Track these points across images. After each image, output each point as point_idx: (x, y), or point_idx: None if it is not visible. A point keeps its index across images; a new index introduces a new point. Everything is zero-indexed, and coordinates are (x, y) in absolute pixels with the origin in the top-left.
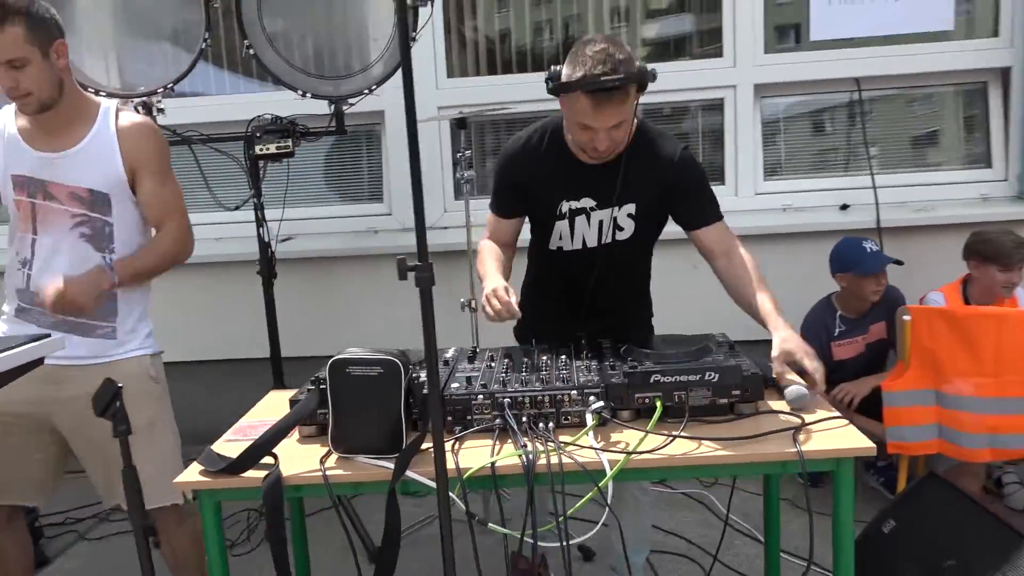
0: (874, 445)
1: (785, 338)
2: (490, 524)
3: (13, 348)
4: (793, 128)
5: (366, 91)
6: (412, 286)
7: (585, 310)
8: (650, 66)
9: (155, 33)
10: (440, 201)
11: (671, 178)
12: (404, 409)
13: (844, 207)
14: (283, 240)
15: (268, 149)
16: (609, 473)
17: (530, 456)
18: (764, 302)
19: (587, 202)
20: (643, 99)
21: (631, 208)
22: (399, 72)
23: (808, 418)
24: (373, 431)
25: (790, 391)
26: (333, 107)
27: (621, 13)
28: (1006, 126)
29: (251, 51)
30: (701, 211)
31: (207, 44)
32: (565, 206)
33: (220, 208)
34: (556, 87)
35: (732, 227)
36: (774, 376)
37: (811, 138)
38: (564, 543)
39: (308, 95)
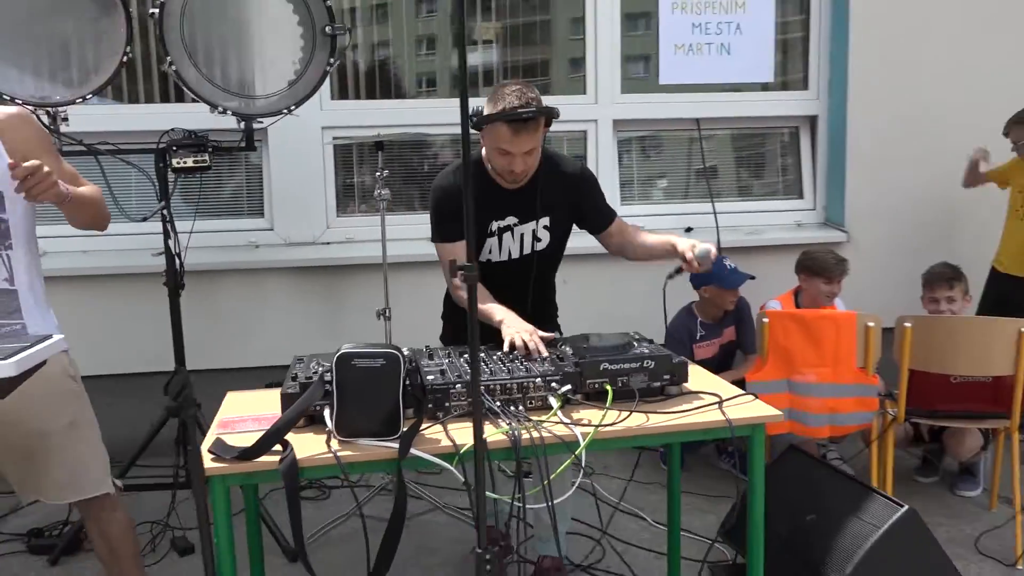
0: (780, 412)
1: (684, 239)
2: (489, 493)
3: (28, 348)
4: (643, 159)
5: (285, 111)
6: (305, 298)
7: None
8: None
9: (71, 43)
10: (323, 217)
11: (576, 192)
12: (402, 396)
13: (688, 230)
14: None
15: (185, 163)
16: (583, 443)
17: (515, 433)
18: (652, 236)
19: (511, 220)
20: None
21: (546, 221)
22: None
23: (724, 395)
24: (374, 416)
25: (700, 249)
26: (243, 124)
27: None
28: (814, 164)
29: (172, 67)
30: (602, 214)
31: (128, 56)
32: (494, 225)
33: (124, 219)
34: (480, 120)
35: (592, 247)
36: (680, 251)
37: (659, 168)
38: (550, 502)
39: (224, 111)
